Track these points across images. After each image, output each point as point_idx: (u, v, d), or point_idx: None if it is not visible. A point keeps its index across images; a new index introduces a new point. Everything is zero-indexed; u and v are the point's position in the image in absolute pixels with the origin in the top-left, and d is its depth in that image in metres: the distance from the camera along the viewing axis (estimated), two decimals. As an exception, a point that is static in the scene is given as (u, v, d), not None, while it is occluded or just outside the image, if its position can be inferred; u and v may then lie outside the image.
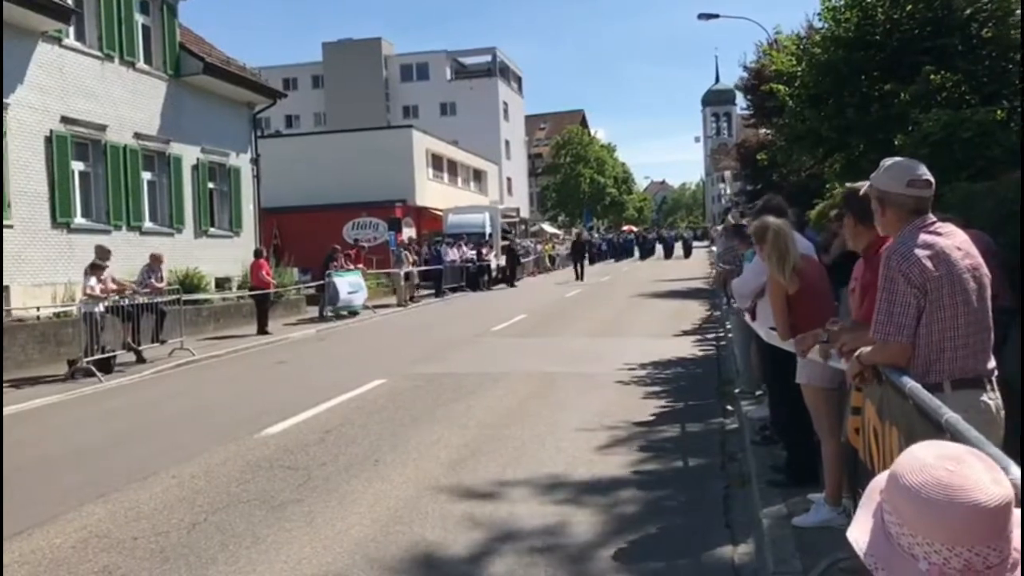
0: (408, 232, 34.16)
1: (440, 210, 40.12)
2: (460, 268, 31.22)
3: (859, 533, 1.40)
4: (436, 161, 44.86)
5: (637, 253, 57.41)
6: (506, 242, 36.83)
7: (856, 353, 3.50)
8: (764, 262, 5.36)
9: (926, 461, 1.34)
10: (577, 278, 34.05)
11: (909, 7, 12.53)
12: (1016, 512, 1.33)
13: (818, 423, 4.93)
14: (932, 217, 3.36)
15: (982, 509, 1.28)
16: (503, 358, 13.42)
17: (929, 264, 3.17)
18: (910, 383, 2.88)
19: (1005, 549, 1.31)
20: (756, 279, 6.12)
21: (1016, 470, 1.85)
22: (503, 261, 34.64)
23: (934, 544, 1.29)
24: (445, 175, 46.49)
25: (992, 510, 1.28)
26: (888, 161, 3.51)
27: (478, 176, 53.42)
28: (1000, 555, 1.30)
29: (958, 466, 1.32)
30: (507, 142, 66.00)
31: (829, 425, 4.82)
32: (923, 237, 3.25)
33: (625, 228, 69.88)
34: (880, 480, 1.44)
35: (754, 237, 5.49)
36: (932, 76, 11.52)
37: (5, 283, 14.69)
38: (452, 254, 30.77)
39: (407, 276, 26.08)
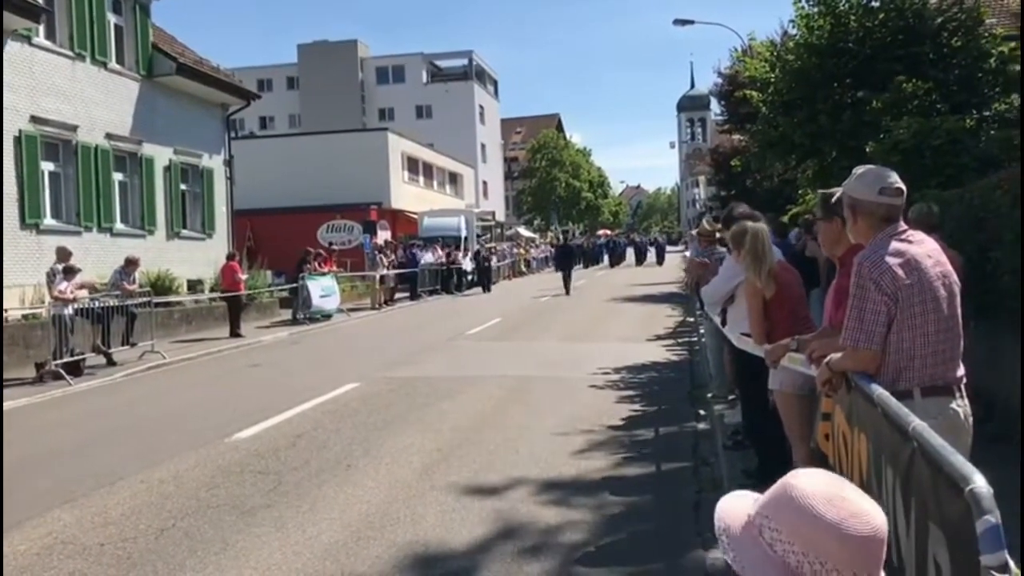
0: (383, 235, 34.04)
1: (415, 213, 40.06)
2: (436, 271, 31.16)
3: (751, 570, 1.36)
4: (412, 164, 44.78)
5: (606, 259, 54.67)
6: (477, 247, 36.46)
7: (826, 360, 3.51)
8: (740, 265, 5.38)
9: (829, 494, 1.34)
10: (567, 291, 28.43)
11: (882, 15, 12.67)
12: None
13: (789, 429, 4.95)
14: (903, 225, 3.38)
15: (877, 537, 1.32)
16: (477, 362, 13.40)
17: (900, 272, 3.18)
18: (878, 390, 2.89)
19: None
20: (726, 284, 6.14)
21: (980, 479, 1.86)
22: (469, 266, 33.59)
23: (826, 563, 1.30)
24: (421, 178, 46.41)
25: (882, 538, 1.33)
26: (860, 169, 3.52)
27: (454, 179, 53.38)
28: None
29: (849, 493, 1.35)
30: (483, 145, 66.00)
31: (800, 431, 4.84)
32: (894, 245, 3.26)
33: (601, 232, 69.80)
34: (732, 508, 1.43)
35: (732, 241, 5.51)
36: (904, 84, 11.64)
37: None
38: (427, 257, 30.70)
39: (382, 279, 25.98)
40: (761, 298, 5.11)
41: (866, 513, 1.33)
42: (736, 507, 1.44)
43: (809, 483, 1.36)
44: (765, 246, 5.13)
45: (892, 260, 3.20)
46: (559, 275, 30.24)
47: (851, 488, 1.37)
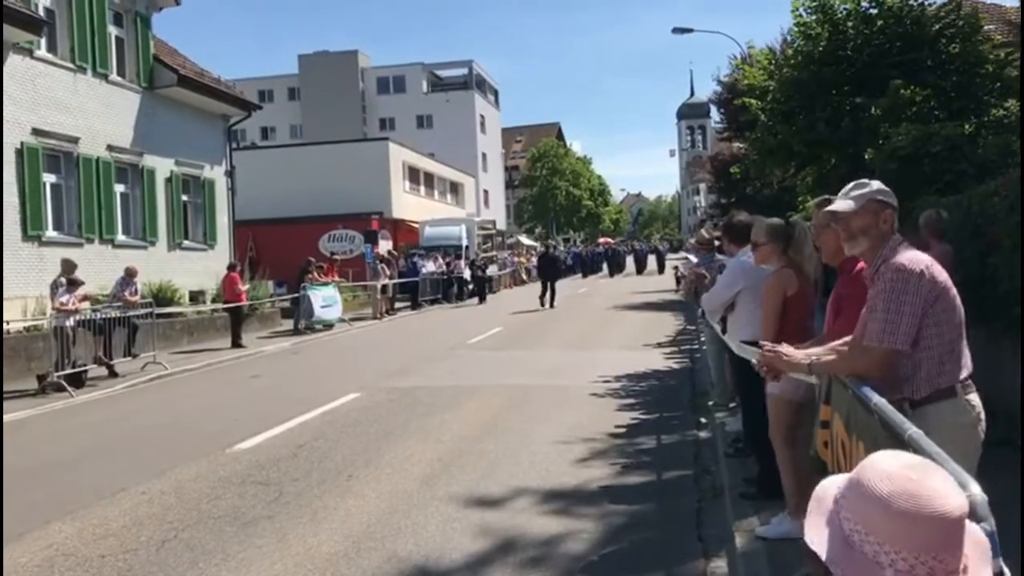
0: (385, 244, 34.05)
1: (416, 222, 40.10)
2: (437, 280, 31.12)
3: (817, 540, 1.41)
4: (412, 173, 44.85)
5: (606, 268, 52.90)
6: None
7: (813, 357, 3.55)
8: (777, 260, 5.25)
9: (890, 471, 1.38)
10: (545, 304, 26.43)
11: (880, 22, 12.70)
12: (967, 521, 1.40)
13: (774, 431, 4.96)
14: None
15: (947, 518, 1.33)
16: (478, 371, 13.40)
17: (939, 277, 3.25)
18: (875, 398, 2.90)
19: (961, 556, 1.36)
20: (727, 291, 6.14)
21: (976, 487, 1.87)
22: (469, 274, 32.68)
23: (901, 552, 1.33)
24: (422, 187, 46.48)
25: (955, 519, 1.34)
26: (869, 180, 3.53)
27: (455, 188, 53.45)
28: (957, 561, 1.36)
29: (921, 475, 1.37)
30: (484, 154, 66.11)
31: (784, 435, 4.86)
32: (916, 252, 3.34)
33: (602, 240, 69.65)
34: (829, 486, 1.47)
35: (775, 235, 5.33)
36: (903, 91, 11.67)
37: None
38: (428, 266, 30.69)
39: (383, 289, 25.98)
40: (782, 295, 5.08)
41: (923, 495, 1.33)
42: (832, 486, 1.47)
43: (878, 457, 1.41)
44: (808, 240, 5.13)
45: (928, 264, 3.26)
46: (558, 284, 28.91)
47: (928, 471, 1.39)
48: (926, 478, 1.36)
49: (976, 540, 1.44)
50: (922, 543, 1.32)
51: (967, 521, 1.44)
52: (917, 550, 1.32)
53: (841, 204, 3.43)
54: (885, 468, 1.38)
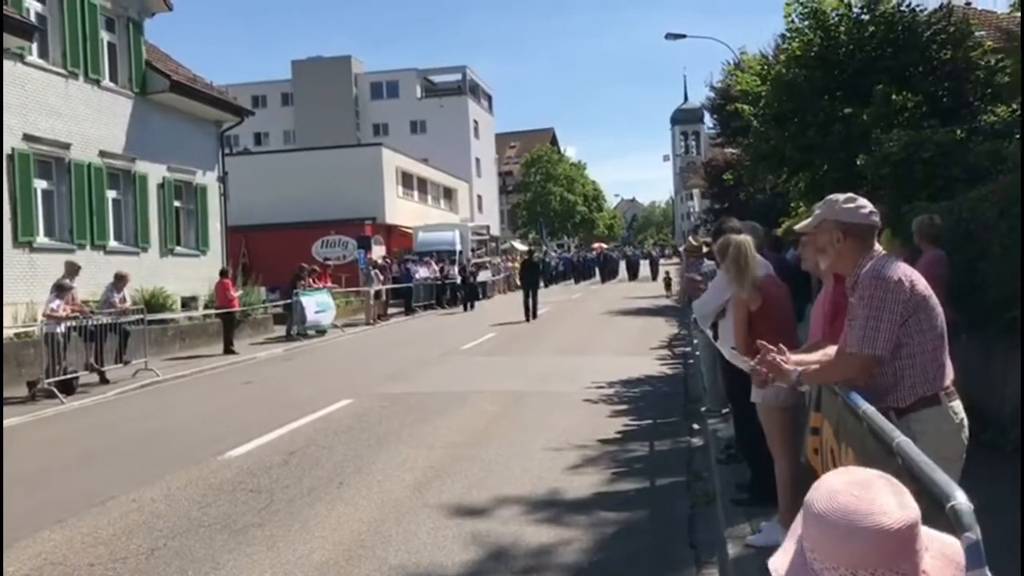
0: (378, 250, 34.00)
1: (410, 228, 40.08)
2: (431, 286, 31.08)
3: (780, 560, 1.44)
4: (406, 179, 44.83)
5: (598, 275, 52.08)
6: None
7: (800, 368, 3.55)
8: (726, 277, 5.38)
9: (834, 488, 1.39)
10: (527, 316, 24.17)
11: (872, 29, 12.74)
12: (923, 530, 1.39)
13: (771, 442, 4.96)
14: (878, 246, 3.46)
15: (884, 532, 1.33)
16: (471, 377, 13.38)
17: (919, 286, 3.27)
18: (864, 405, 2.90)
19: (910, 570, 1.35)
20: (717, 298, 6.14)
21: (961, 495, 1.86)
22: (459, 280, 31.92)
23: (839, 568, 1.34)
24: (415, 193, 46.46)
25: (895, 532, 1.33)
26: (839, 195, 3.55)
27: (448, 194, 53.44)
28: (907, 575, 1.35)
29: (864, 491, 1.37)
30: (477, 160, 66.11)
31: (781, 445, 4.85)
32: (899, 264, 3.35)
33: (595, 246, 69.67)
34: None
35: (717, 254, 5.53)
36: (894, 97, 11.69)
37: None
38: (422, 272, 30.65)
39: (376, 294, 25.95)
40: (746, 310, 5.11)
41: (860, 511, 1.34)
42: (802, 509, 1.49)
43: (830, 475, 1.42)
44: (747, 257, 5.12)
45: (907, 277, 3.27)
46: (550, 290, 28.91)
47: (876, 485, 1.38)
48: (869, 493, 1.37)
49: (945, 553, 1.44)
50: (858, 558, 1.33)
51: (938, 534, 1.45)
52: (854, 565, 1.33)
53: (802, 223, 3.50)
54: (831, 485, 1.40)
